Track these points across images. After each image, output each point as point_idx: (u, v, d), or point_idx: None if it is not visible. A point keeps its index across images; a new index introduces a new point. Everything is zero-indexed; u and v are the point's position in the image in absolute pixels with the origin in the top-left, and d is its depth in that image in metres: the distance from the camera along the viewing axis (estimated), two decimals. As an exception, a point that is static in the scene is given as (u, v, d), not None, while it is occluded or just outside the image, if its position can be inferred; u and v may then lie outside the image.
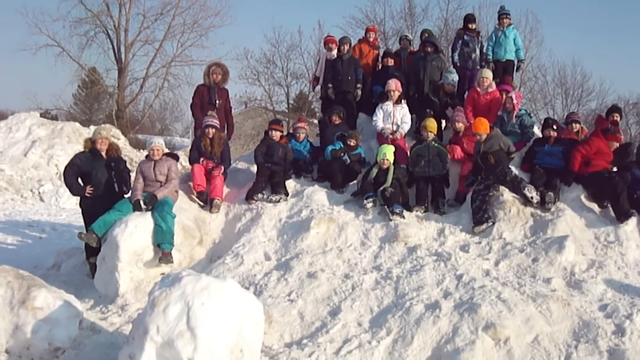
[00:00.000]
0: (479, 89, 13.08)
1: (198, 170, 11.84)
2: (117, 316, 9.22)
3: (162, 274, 9.31)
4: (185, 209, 11.18)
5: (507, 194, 11.18)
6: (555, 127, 12.16)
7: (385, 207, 11.11)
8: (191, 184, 11.96)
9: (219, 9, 49.67)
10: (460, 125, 12.56)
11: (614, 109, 13.56)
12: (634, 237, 10.58)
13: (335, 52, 14.62)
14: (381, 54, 15.95)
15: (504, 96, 13.05)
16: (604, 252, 10.21)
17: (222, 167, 12.02)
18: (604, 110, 15.41)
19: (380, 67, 15.44)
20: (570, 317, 8.28)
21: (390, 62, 14.98)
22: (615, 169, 11.53)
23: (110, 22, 45.69)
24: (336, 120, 13.34)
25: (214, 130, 12.12)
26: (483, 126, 11.56)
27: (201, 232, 11.08)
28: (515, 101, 12.91)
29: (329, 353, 7.69)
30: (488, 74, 13.38)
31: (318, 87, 15.51)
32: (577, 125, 12.51)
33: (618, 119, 13.24)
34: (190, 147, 13.11)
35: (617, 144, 11.61)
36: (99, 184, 11.01)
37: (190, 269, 9.22)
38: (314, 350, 7.70)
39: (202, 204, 11.69)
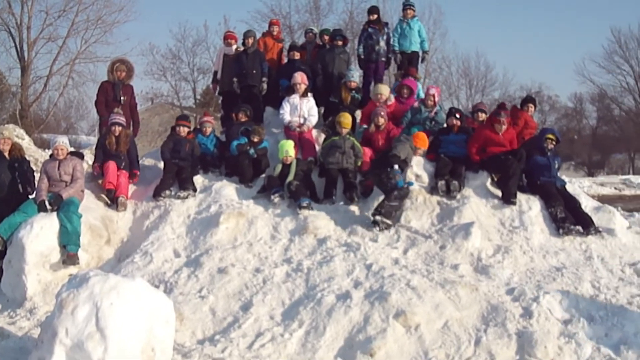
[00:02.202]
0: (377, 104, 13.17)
1: (112, 168, 11.60)
2: (25, 320, 9.00)
3: (70, 275, 9.14)
4: (91, 209, 10.98)
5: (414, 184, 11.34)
6: (458, 115, 12.40)
7: (293, 200, 11.15)
8: (100, 182, 11.76)
9: (123, 5, 48.52)
10: (382, 121, 12.58)
11: (528, 99, 13.90)
12: (538, 221, 10.87)
13: (234, 47, 14.66)
14: (286, 47, 15.98)
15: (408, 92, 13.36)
16: (510, 238, 10.46)
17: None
18: (507, 100, 15.77)
19: (286, 61, 15.45)
20: (479, 302, 8.44)
21: (297, 55, 15.02)
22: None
23: (12, 19, 44.15)
24: (242, 117, 13.30)
25: (120, 127, 11.94)
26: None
27: (109, 232, 10.90)
28: (437, 98, 13.16)
29: (241, 348, 7.68)
30: (383, 89, 13.54)
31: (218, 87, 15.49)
32: (483, 115, 12.70)
33: (532, 109, 13.59)
34: (95, 146, 12.88)
35: (504, 127, 11.85)
36: (3, 185, 10.72)
37: (99, 269, 9.11)
38: (227, 346, 7.68)
39: (109, 202, 11.50)
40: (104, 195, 11.49)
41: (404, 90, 13.90)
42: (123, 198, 11.41)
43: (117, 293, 6.31)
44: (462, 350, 7.63)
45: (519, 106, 13.79)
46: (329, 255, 9.73)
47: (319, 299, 8.39)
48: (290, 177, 11.37)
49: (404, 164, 11.60)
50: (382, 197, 10.96)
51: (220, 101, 17.62)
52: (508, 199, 11.22)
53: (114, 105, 12.73)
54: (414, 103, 13.46)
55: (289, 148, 11.73)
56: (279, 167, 11.65)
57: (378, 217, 10.60)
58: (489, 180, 11.71)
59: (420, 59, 15.93)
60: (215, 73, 15.46)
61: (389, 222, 10.66)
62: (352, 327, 7.94)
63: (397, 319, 7.90)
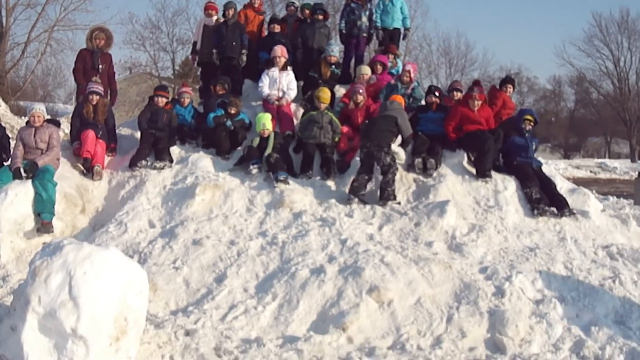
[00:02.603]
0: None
1: (90, 137, 11.48)
2: (-2, 287, 8.99)
3: (44, 243, 9.08)
4: (67, 177, 10.92)
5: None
6: (437, 94, 12.40)
7: (270, 173, 11.13)
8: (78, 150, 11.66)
9: (104, -28, 48.33)
10: (361, 99, 12.56)
11: (507, 80, 13.83)
12: (513, 201, 10.93)
13: (214, 18, 14.51)
14: (267, 19, 15.90)
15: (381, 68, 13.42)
16: (484, 217, 10.53)
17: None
18: (487, 80, 15.82)
19: (267, 34, 15.37)
20: (452, 280, 8.49)
21: (277, 28, 14.94)
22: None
23: (-10, -15, 43.92)
24: (220, 90, 13.17)
25: (97, 97, 11.85)
26: None
27: (84, 200, 10.85)
28: (413, 74, 13.16)
29: (214, 319, 7.68)
30: (366, 69, 13.57)
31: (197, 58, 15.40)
32: (459, 94, 12.65)
33: (511, 89, 13.52)
34: (72, 114, 12.79)
35: (478, 103, 11.89)
36: (-22, 152, 10.67)
37: (73, 237, 9.01)
38: (200, 317, 7.67)
39: (85, 171, 11.41)
40: (79, 165, 11.41)
41: (377, 66, 13.91)
42: (99, 167, 11.33)
43: (90, 262, 6.27)
44: (434, 326, 7.68)
45: (497, 86, 13.79)
46: (304, 229, 9.74)
47: (293, 273, 8.40)
48: (269, 150, 11.33)
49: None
50: (358, 173, 11.05)
51: (199, 72, 17.51)
52: (482, 173, 11.29)
53: (92, 73, 12.63)
54: (391, 80, 13.44)
55: (266, 121, 11.68)
56: (257, 140, 11.60)
57: (391, 203, 10.78)
58: (466, 159, 11.77)
59: (401, 36, 15.88)
60: (195, 44, 15.33)
61: (397, 200, 10.88)
62: (325, 302, 7.97)
63: (370, 294, 7.94)
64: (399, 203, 10.84)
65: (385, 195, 10.76)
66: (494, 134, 11.52)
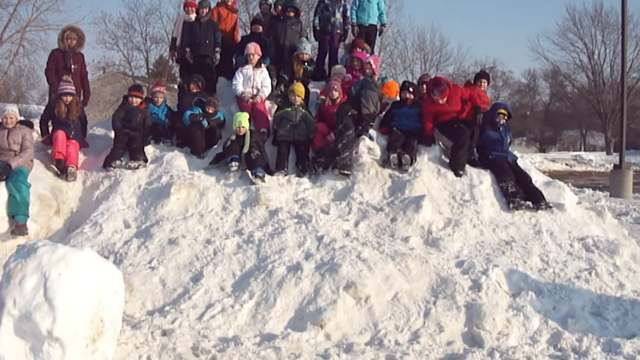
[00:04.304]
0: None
1: (61, 138, 11.43)
2: (-29, 290, 8.91)
3: (19, 245, 9.03)
4: (41, 178, 10.87)
5: (365, 156, 11.40)
6: (412, 89, 12.45)
7: (247, 170, 11.09)
8: (50, 151, 11.60)
9: (76, -28, 48.06)
10: (337, 95, 12.57)
11: (481, 74, 13.88)
12: (488, 195, 10.97)
13: (193, 15, 14.44)
14: (240, 17, 15.90)
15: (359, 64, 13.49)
16: (460, 211, 10.55)
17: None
18: (462, 75, 15.88)
19: (249, 33, 15.35)
20: (429, 274, 8.52)
21: (259, 28, 15.01)
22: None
23: (-39, -16, 43.53)
24: (194, 88, 13.17)
25: (70, 97, 11.81)
26: None
27: (58, 202, 10.79)
28: (374, 66, 13.16)
29: (192, 319, 7.65)
30: (340, 69, 13.65)
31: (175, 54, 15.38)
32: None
33: (485, 84, 13.53)
34: (41, 116, 12.70)
35: (442, 100, 11.94)
36: (-49, 153, 10.57)
37: (48, 239, 9.00)
38: (177, 317, 7.64)
39: (59, 172, 11.34)
40: (53, 166, 11.33)
41: (355, 62, 13.89)
42: (73, 168, 11.27)
43: (65, 263, 6.23)
44: (412, 321, 7.69)
45: (472, 81, 13.82)
46: (280, 227, 9.72)
47: (270, 271, 8.38)
48: (246, 148, 11.30)
49: (373, 117, 12.04)
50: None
51: (178, 69, 17.48)
52: (456, 169, 11.39)
53: (65, 73, 12.58)
54: (360, 76, 13.47)
55: (242, 119, 11.63)
56: (233, 138, 11.55)
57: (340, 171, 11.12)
58: (441, 154, 11.80)
59: (378, 32, 15.92)
60: (174, 40, 15.30)
61: (347, 172, 11.13)
62: (302, 299, 7.97)
63: (347, 290, 7.94)
64: (348, 175, 11.13)
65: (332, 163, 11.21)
66: (470, 127, 11.57)
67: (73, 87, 12.02)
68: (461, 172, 11.32)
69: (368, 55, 13.94)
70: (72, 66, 12.80)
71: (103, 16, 64.66)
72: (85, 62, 13.44)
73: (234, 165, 11.13)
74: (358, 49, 14.33)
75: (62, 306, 5.96)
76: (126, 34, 50.26)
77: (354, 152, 11.36)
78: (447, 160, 11.70)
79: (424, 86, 12.82)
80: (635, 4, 76.12)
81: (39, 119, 12.55)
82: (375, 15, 15.43)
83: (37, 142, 11.94)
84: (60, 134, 11.45)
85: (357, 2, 15.33)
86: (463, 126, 11.66)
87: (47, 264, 6.18)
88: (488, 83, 13.87)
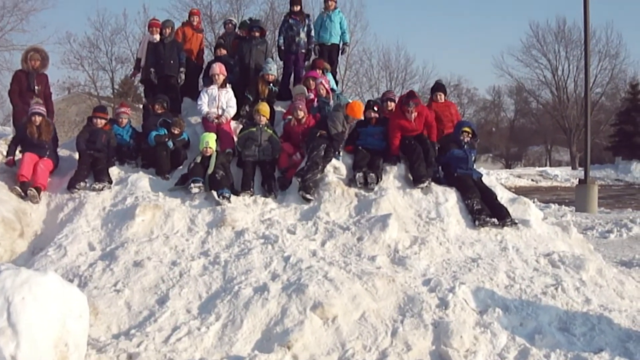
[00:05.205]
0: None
1: (27, 160, 11.37)
2: None
3: (-17, 269, 8.96)
4: (4, 201, 10.74)
5: (331, 175, 11.41)
6: (376, 108, 12.50)
7: (213, 191, 11.05)
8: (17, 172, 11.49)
9: (41, -9, 47.55)
10: (302, 114, 12.60)
11: (437, 87, 13.98)
12: (454, 213, 11.01)
13: (157, 36, 14.42)
14: (206, 37, 15.94)
15: (314, 83, 13.63)
16: (426, 229, 10.57)
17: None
18: (427, 93, 15.98)
19: (214, 57, 15.37)
20: (396, 293, 8.50)
21: (223, 52, 15.06)
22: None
23: None
24: (159, 109, 13.15)
25: (40, 117, 11.77)
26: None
27: (22, 224, 10.66)
28: (326, 86, 13.25)
29: (157, 342, 7.58)
30: (300, 89, 13.90)
31: (139, 75, 15.36)
32: (392, 104, 12.77)
33: (442, 96, 13.63)
34: (13, 136, 12.60)
35: (415, 114, 12.06)
36: None
37: (12, 262, 8.97)
38: (143, 340, 7.57)
39: (23, 194, 11.21)
40: (17, 187, 11.21)
41: (310, 81, 13.94)
42: (32, 191, 11.09)
43: (28, 287, 6.18)
44: (379, 341, 7.66)
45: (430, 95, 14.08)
46: (246, 247, 9.68)
47: (236, 292, 8.34)
48: (211, 169, 11.26)
49: (341, 137, 12.04)
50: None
51: (143, 89, 17.44)
52: (418, 180, 11.50)
53: (28, 94, 12.58)
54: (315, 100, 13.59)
55: (209, 140, 11.61)
56: (199, 159, 11.51)
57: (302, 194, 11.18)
58: (406, 171, 11.85)
59: (340, 51, 15.98)
60: (139, 60, 15.30)
61: (309, 197, 11.17)
62: (269, 320, 7.92)
63: (314, 311, 7.91)
64: (308, 199, 11.14)
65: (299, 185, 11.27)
66: (423, 143, 11.71)
67: (42, 108, 11.96)
68: (424, 180, 11.40)
69: (320, 75, 13.97)
70: (36, 87, 12.72)
71: (68, 36, 64.71)
72: (49, 83, 13.37)
73: (194, 187, 11.04)
74: (318, 69, 14.36)
75: (26, 331, 5.92)
76: (91, 54, 50.12)
77: (318, 175, 11.34)
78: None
79: (388, 103, 12.86)
80: (597, 20, 77.08)
81: (9, 141, 12.48)
82: (337, 34, 15.52)
83: (1, 163, 11.85)
84: (28, 156, 11.40)
85: (319, 21, 15.44)
86: (414, 142, 11.88)
87: (10, 288, 6.13)
88: (444, 94, 13.94)
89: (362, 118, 12.65)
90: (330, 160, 11.74)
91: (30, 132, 11.67)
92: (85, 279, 9.02)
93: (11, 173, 11.63)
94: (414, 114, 11.96)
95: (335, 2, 15.66)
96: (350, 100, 13.27)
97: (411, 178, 11.71)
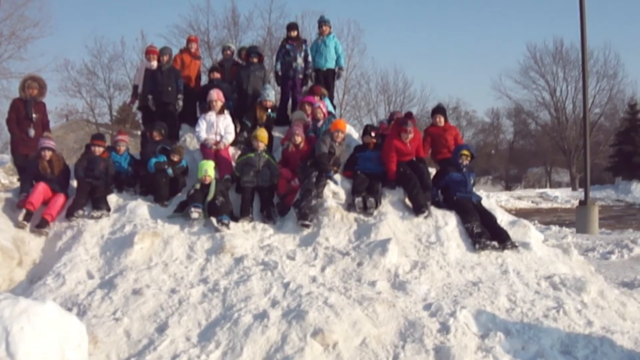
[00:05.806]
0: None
1: (39, 189, 11.36)
2: None
3: (-20, 299, 8.92)
4: (2, 229, 10.71)
5: (330, 201, 11.39)
6: (373, 133, 12.49)
7: (212, 218, 11.03)
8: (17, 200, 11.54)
9: (38, 20, 47.98)
10: (299, 140, 12.64)
11: (437, 110, 13.90)
12: (454, 236, 11.00)
13: (155, 62, 14.44)
14: (204, 63, 15.98)
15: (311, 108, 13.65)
16: (426, 253, 10.55)
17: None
18: (426, 116, 16.01)
19: (207, 82, 15.37)
20: (396, 318, 8.45)
21: (217, 75, 15.03)
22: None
23: None
24: (157, 136, 13.15)
25: (50, 152, 11.78)
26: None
27: (20, 253, 10.62)
28: (324, 110, 13.30)
29: (157, 370, 7.56)
30: (299, 114, 13.97)
31: (136, 102, 15.38)
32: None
33: (441, 119, 13.51)
34: (24, 173, 12.50)
35: (411, 135, 12.10)
36: None
37: (10, 291, 8.93)
38: (142, 369, 7.55)
39: (25, 223, 11.15)
40: (24, 221, 11.09)
41: (305, 107, 13.97)
42: (44, 231, 11.07)
43: (27, 317, 6.17)
44: (380, 367, 7.63)
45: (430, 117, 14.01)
46: (245, 274, 9.64)
47: (236, 319, 8.28)
48: (210, 197, 11.26)
49: (328, 157, 12.04)
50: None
51: (140, 116, 17.46)
52: (418, 209, 11.45)
53: (26, 123, 12.59)
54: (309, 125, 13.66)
55: (208, 168, 11.61)
56: (198, 186, 11.50)
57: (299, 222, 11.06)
58: (406, 196, 11.84)
59: (336, 76, 16.00)
60: (136, 87, 15.34)
61: (307, 223, 11.05)
62: (269, 347, 7.86)
63: (314, 337, 7.85)
64: (307, 225, 11.08)
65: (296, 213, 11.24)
66: (417, 169, 11.75)
67: (52, 142, 11.98)
68: (424, 210, 11.37)
69: (317, 100, 13.98)
70: (34, 115, 12.70)
71: (66, 63, 64.46)
72: (46, 111, 13.34)
73: (194, 211, 11.00)
74: (316, 96, 14.38)
75: (25, 360, 5.89)
76: (89, 81, 50.45)
77: (313, 201, 11.31)
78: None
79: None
80: (594, 41, 77.38)
81: (8, 169, 12.49)
82: (332, 59, 15.59)
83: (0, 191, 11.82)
84: (42, 186, 11.41)
85: (315, 47, 15.49)
86: (409, 172, 11.89)
87: (8, 317, 6.12)
88: (445, 118, 13.74)
89: (360, 142, 12.67)
90: (325, 182, 11.74)
91: (43, 167, 11.68)
92: (84, 307, 8.97)
93: (10, 202, 11.62)
94: (410, 135, 11.95)
95: (330, 27, 15.74)
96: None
97: (411, 206, 11.69)
